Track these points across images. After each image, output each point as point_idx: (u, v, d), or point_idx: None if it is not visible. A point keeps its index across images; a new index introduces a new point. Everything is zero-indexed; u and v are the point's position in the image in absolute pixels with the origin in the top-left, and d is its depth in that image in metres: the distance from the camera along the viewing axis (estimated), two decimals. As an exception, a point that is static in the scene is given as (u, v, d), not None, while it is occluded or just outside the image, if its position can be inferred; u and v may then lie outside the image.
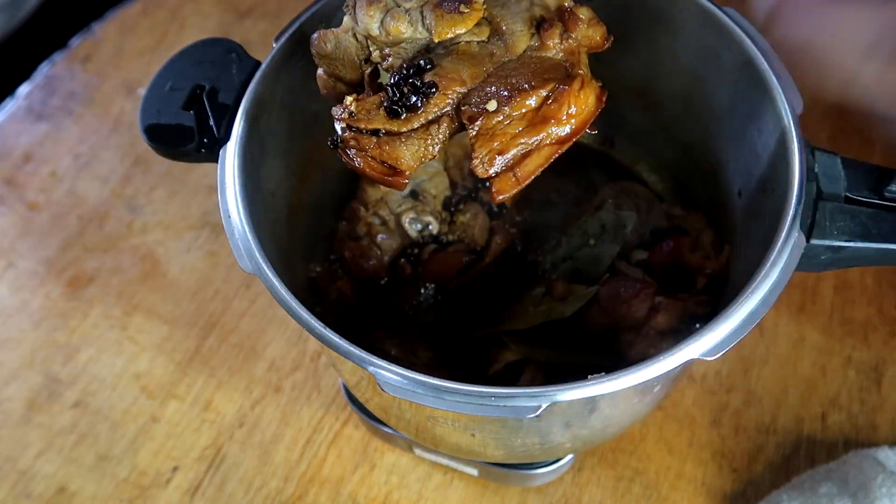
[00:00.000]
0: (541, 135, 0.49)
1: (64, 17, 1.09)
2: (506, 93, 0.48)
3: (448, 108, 0.49)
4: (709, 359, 0.48)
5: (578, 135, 0.50)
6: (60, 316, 0.81)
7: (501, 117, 0.48)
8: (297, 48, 0.60)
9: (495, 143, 0.48)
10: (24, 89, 0.96)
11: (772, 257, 0.50)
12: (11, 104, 0.95)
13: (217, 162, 0.56)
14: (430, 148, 0.49)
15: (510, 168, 0.49)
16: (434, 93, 0.48)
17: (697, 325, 0.60)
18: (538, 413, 0.46)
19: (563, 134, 0.49)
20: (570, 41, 0.51)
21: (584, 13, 0.51)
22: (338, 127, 0.50)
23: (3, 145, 0.92)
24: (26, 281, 0.83)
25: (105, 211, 0.88)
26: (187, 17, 1.03)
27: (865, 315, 0.79)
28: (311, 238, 0.71)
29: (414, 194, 0.72)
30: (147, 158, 0.91)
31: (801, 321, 0.79)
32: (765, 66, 0.57)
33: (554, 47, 0.51)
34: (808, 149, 0.55)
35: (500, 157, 0.48)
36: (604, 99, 0.51)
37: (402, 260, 0.71)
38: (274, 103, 0.60)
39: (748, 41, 0.58)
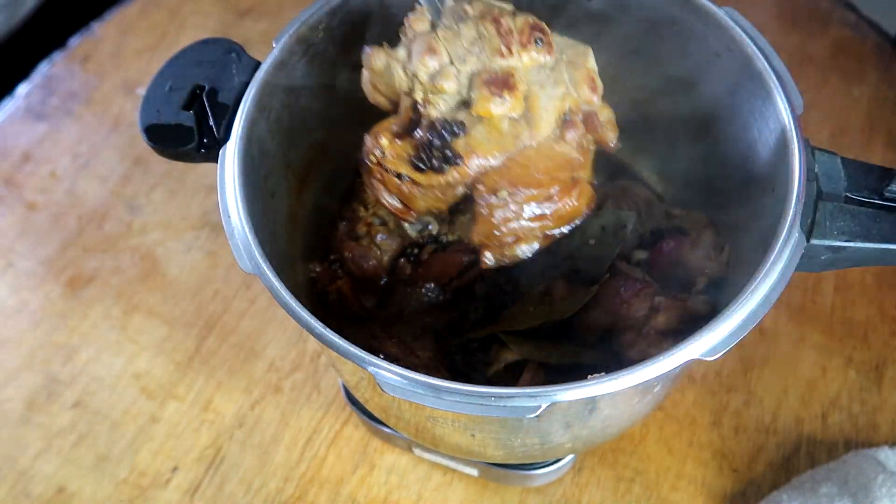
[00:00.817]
0: (533, 226, 0.56)
1: (64, 17, 1.09)
2: (519, 188, 0.54)
3: (467, 180, 0.54)
4: (709, 359, 0.48)
5: (559, 228, 0.57)
6: (60, 316, 0.81)
7: (505, 206, 0.55)
8: (297, 48, 0.60)
9: (494, 222, 0.55)
10: (23, 89, 0.96)
11: (772, 257, 0.50)
12: (11, 104, 0.95)
13: (217, 162, 0.56)
14: (442, 204, 0.56)
15: (500, 246, 0.57)
16: (459, 164, 0.53)
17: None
18: (538, 413, 0.46)
19: (550, 233, 0.57)
20: (585, 141, 0.55)
21: (604, 114, 0.55)
22: (368, 156, 0.55)
23: (3, 145, 0.92)
24: (26, 281, 0.83)
25: (105, 211, 0.88)
26: (187, 17, 1.03)
27: (865, 315, 0.79)
28: (311, 238, 0.71)
29: (414, 194, 0.72)
30: (147, 158, 0.91)
31: (801, 321, 0.79)
32: (765, 65, 0.57)
33: (570, 142, 0.55)
34: (809, 149, 0.54)
35: (495, 234, 0.56)
36: (592, 206, 0.57)
37: (402, 260, 0.71)
38: (274, 103, 0.60)
39: (748, 41, 0.58)
